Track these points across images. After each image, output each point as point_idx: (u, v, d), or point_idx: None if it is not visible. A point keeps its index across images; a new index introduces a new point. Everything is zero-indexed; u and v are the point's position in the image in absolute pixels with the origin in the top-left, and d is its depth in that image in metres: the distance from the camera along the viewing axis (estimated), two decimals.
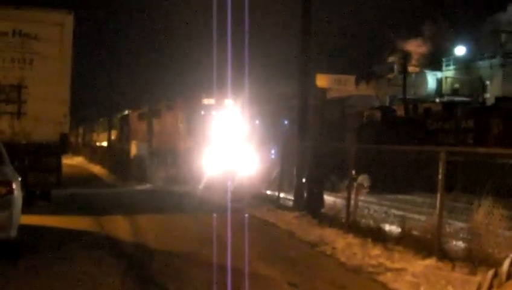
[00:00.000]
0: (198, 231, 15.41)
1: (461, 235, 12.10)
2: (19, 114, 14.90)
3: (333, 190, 18.87)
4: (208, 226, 16.23)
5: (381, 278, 10.30)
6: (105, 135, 57.37)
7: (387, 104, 47.92)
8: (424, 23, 58.29)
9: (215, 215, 18.15)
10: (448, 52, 56.19)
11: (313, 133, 20.63)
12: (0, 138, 13.64)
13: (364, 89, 52.64)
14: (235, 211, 18.86)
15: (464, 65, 53.35)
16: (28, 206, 14.10)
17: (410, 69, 54.51)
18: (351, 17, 63.35)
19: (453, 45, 55.94)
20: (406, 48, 56.85)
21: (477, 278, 9.33)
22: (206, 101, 31.43)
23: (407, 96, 48.34)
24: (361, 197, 16.25)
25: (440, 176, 11.56)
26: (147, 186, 31.91)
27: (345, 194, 15.83)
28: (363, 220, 14.97)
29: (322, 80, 19.54)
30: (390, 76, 56.31)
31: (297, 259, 12.17)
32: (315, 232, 14.69)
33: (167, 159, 33.57)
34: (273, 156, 21.82)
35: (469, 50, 55.09)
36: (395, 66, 56.87)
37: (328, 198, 18.40)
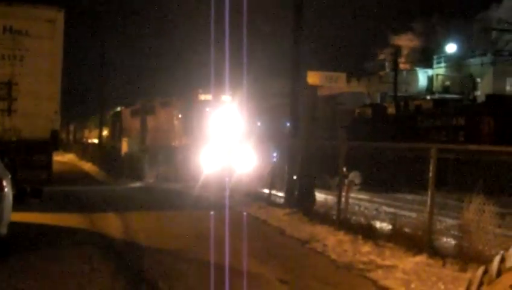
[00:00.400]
0: (189, 228, 15.39)
1: (452, 233, 12.14)
2: (9, 111, 14.84)
3: (324, 187, 18.90)
4: (199, 223, 16.26)
5: (371, 275, 10.32)
6: (97, 131, 57.21)
7: (378, 101, 48.00)
8: (415, 20, 58.45)
9: (206, 212, 18.15)
10: (439, 49, 56.29)
11: (305, 131, 20.62)
12: None
13: (356, 86, 52.76)
14: (226, 208, 18.87)
15: (455, 63, 53.48)
16: (19, 204, 14.07)
17: (401, 66, 54.60)
18: (343, 15, 63.29)
19: (444, 42, 56.05)
20: (397, 42, 56.96)
21: (468, 275, 9.36)
22: (202, 97, 30.94)
23: (398, 94, 48.50)
24: (352, 195, 16.27)
25: (431, 173, 11.58)
26: (140, 184, 31.83)
27: (336, 191, 15.85)
28: (354, 217, 14.99)
29: (313, 77, 19.54)
30: (381, 73, 56.39)
31: (288, 256, 12.18)
32: (306, 229, 14.70)
33: (161, 157, 33.30)
34: (274, 160, 21.40)
35: (460, 48, 55.24)
36: (386, 64, 56.96)
37: (319, 195, 18.41)
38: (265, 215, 17.09)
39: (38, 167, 14.54)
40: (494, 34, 50.86)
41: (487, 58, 49.54)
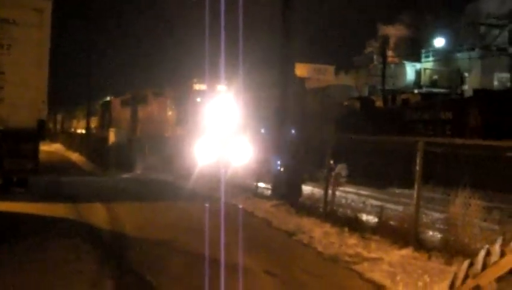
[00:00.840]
0: (176, 220, 15.39)
1: (438, 226, 12.19)
2: None
3: (311, 180, 18.92)
4: (186, 214, 16.27)
5: (357, 267, 10.35)
6: (86, 122, 56.99)
7: (366, 94, 48.05)
8: (404, 12, 58.56)
9: (193, 204, 18.20)
10: (428, 42, 56.38)
11: (292, 123, 20.61)
12: None
13: (344, 79, 52.76)
14: (213, 199, 18.87)
15: (443, 57, 53.55)
16: (5, 193, 14.02)
17: (390, 59, 54.66)
18: (331, 7, 63.23)
19: (432, 35, 56.14)
20: (385, 32, 57.01)
21: (453, 268, 9.40)
22: (197, 86, 30.27)
23: (386, 87, 48.53)
24: (340, 187, 16.29)
25: (418, 167, 11.61)
26: (129, 174, 31.73)
27: (322, 183, 15.87)
28: (341, 210, 15.03)
29: (301, 69, 19.56)
30: (369, 66, 56.44)
31: (275, 248, 12.20)
32: (293, 221, 14.72)
33: (153, 148, 33.06)
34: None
35: (448, 42, 55.31)
36: (375, 57, 57.01)
37: (306, 187, 18.44)
38: (252, 207, 17.09)
39: (25, 156, 14.45)
40: (482, 28, 50.95)
41: (475, 53, 49.60)
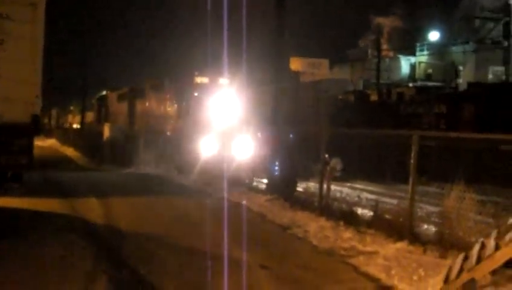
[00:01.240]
0: (171, 214, 15.38)
1: (433, 219, 12.20)
2: None
3: (306, 173, 18.89)
4: (180, 209, 16.26)
5: (352, 261, 10.36)
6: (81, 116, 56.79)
7: (361, 88, 48.06)
8: (397, 4, 58.51)
9: (188, 198, 18.19)
10: (422, 37, 56.38)
11: (287, 117, 20.58)
12: None
13: (338, 73, 52.79)
14: (208, 194, 18.88)
15: (438, 50, 53.58)
16: None
17: (384, 53, 54.66)
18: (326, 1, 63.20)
19: (427, 28, 56.13)
20: (379, 23, 56.95)
21: (448, 261, 9.42)
22: (199, 79, 29.47)
23: (381, 81, 48.57)
24: (334, 182, 16.30)
25: (412, 160, 11.61)
26: (124, 169, 31.64)
27: (317, 177, 15.87)
28: (336, 204, 15.03)
29: (295, 63, 19.59)
30: (364, 60, 56.43)
31: (269, 242, 12.19)
32: (287, 215, 14.72)
33: (152, 143, 32.68)
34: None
35: (442, 35, 55.30)
36: (369, 51, 56.98)
37: (301, 181, 18.42)
38: (247, 201, 17.08)
39: (19, 151, 14.41)
40: (476, 22, 50.98)
41: (469, 46, 49.64)
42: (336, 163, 15.97)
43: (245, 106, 23.87)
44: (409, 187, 11.66)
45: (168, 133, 30.01)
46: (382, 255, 10.57)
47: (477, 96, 24.26)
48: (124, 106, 40.61)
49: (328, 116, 31.66)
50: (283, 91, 19.63)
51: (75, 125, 63.39)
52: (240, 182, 20.62)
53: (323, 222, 13.54)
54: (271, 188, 18.48)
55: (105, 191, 19.36)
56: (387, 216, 12.61)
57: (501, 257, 7.96)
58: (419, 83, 47.53)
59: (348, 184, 19.88)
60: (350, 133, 19.75)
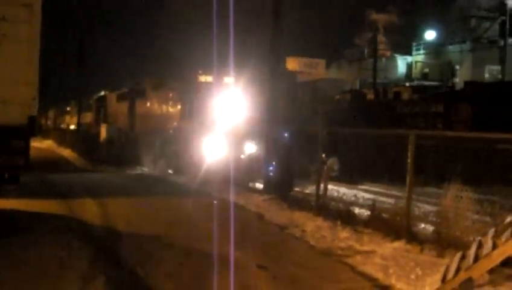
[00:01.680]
0: (168, 214, 15.36)
1: (430, 219, 12.21)
2: None
3: (303, 173, 18.89)
4: (178, 209, 16.26)
5: (350, 260, 10.36)
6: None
7: (357, 88, 48.11)
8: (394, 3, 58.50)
9: (185, 198, 18.18)
10: (419, 36, 56.43)
11: (283, 117, 20.56)
12: None
13: (335, 73, 52.83)
14: (205, 194, 18.88)
15: (434, 50, 53.66)
16: None
17: (381, 52, 54.68)
18: (322, 3, 63.10)
19: (423, 25, 56.18)
20: (375, 18, 56.92)
21: (446, 260, 9.42)
22: (203, 78, 28.54)
23: (378, 81, 48.62)
24: (331, 182, 16.31)
25: (409, 160, 11.62)
26: (122, 170, 31.55)
27: (314, 177, 15.87)
28: (333, 203, 15.04)
29: (292, 63, 19.57)
30: (361, 60, 56.47)
31: (267, 242, 12.19)
32: (284, 215, 14.72)
33: (147, 143, 32.33)
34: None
35: (439, 35, 55.37)
36: (366, 50, 57.02)
37: (298, 181, 18.43)
38: (244, 200, 17.07)
39: (16, 153, 14.40)
40: (473, 21, 51.05)
41: (466, 46, 49.73)
42: (333, 163, 15.99)
43: (250, 105, 23.35)
44: (406, 186, 11.67)
45: (167, 134, 29.65)
46: (379, 254, 10.57)
47: (474, 96, 24.28)
48: (123, 107, 40.23)
49: (324, 116, 31.61)
50: (280, 91, 19.61)
51: (72, 127, 62.96)
52: (237, 182, 20.60)
53: (320, 221, 13.54)
54: (268, 188, 18.49)
55: (102, 192, 19.33)
56: (384, 215, 12.61)
57: (498, 256, 7.96)
58: (415, 83, 47.62)
59: (345, 183, 19.85)
60: (347, 132, 19.74)
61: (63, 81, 71.62)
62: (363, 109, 30.42)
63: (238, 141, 22.00)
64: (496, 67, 46.82)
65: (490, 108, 22.56)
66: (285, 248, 11.68)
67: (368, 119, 27.17)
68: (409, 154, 11.64)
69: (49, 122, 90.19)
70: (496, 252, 7.95)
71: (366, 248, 11.17)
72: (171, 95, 31.13)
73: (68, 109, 69.95)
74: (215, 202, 17.14)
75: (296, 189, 18.12)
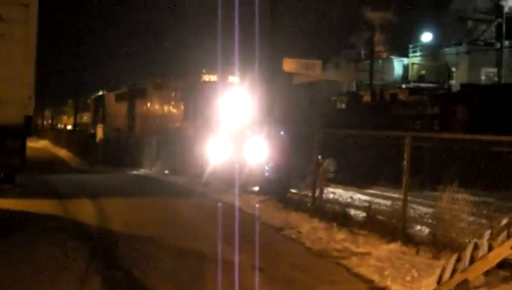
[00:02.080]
0: (166, 215, 15.35)
1: (426, 220, 12.22)
2: None
3: (299, 175, 18.90)
4: (173, 210, 16.24)
5: (345, 262, 10.36)
6: (77, 117, 56.33)
7: (354, 89, 48.12)
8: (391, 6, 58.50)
9: (180, 199, 18.18)
10: (415, 38, 56.47)
11: (280, 119, 20.50)
12: None
13: (332, 75, 52.81)
14: (201, 195, 18.88)
15: (431, 52, 53.66)
16: None
17: (377, 54, 54.70)
18: (319, 3, 62.99)
19: (420, 30, 56.23)
20: (372, 17, 56.89)
21: (441, 262, 9.43)
22: (206, 77, 27.96)
23: (374, 82, 48.62)
24: (328, 184, 16.31)
25: (405, 161, 11.63)
26: (118, 171, 31.45)
27: (310, 178, 15.88)
28: (329, 205, 15.04)
29: (288, 64, 19.53)
30: (357, 61, 56.48)
31: (263, 243, 12.15)
32: (280, 217, 14.72)
33: (143, 144, 32.06)
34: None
35: (435, 37, 55.40)
36: (362, 52, 57.04)
37: (294, 183, 18.42)
38: (240, 202, 17.05)
39: (12, 153, 14.38)
40: (469, 23, 51.09)
41: (462, 48, 49.75)
42: (329, 164, 15.98)
43: (256, 106, 22.71)
44: (402, 188, 11.68)
45: (166, 134, 29.34)
46: (375, 256, 10.58)
47: (470, 98, 24.31)
48: (122, 107, 39.83)
49: (321, 117, 31.63)
50: (276, 92, 19.54)
51: (69, 127, 62.54)
52: (233, 183, 20.56)
53: (316, 223, 13.55)
54: (264, 189, 18.48)
55: (98, 193, 19.31)
56: (380, 217, 12.62)
57: (494, 258, 7.97)
58: (412, 84, 47.57)
59: (341, 185, 19.84)
60: (343, 134, 19.74)
61: (60, 80, 71.43)
62: (360, 110, 30.44)
63: (241, 143, 21.57)
64: (492, 70, 46.86)
65: (486, 110, 22.58)
66: (281, 249, 11.68)
67: (365, 121, 27.17)
68: (405, 156, 11.64)
69: (45, 122, 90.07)
70: (491, 254, 7.96)
71: (361, 249, 11.17)
72: (173, 94, 30.60)
73: (65, 108, 69.68)
74: (211, 203, 17.16)
75: (293, 190, 18.12)
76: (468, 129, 22.16)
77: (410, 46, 55.76)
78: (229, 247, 11.10)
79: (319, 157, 15.65)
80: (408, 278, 9.17)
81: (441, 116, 25.03)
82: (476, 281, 8.11)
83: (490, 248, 8.10)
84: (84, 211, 15.53)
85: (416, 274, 9.30)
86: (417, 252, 10.53)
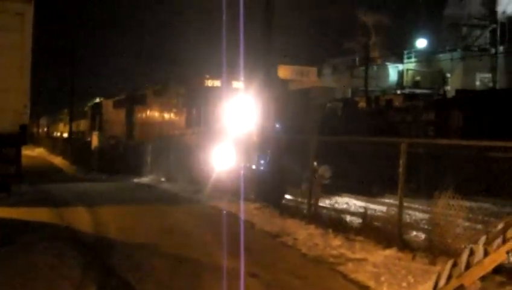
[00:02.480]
0: (161, 222, 15.33)
1: (422, 226, 12.24)
2: None
3: (295, 181, 18.90)
4: (168, 217, 16.23)
5: (342, 268, 10.36)
6: (73, 125, 56.15)
7: (349, 95, 48.19)
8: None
9: (176, 206, 18.16)
10: (410, 44, 56.57)
11: (276, 125, 20.49)
12: None
13: (327, 81, 52.88)
14: (196, 202, 18.87)
15: (425, 58, 53.76)
16: None
17: (373, 60, 54.74)
18: (313, 8, 63.01)
19: (414, 37, 56.33)
20: (366, 20, 56.90)
21: (437, 268, 9.44)
22: (210, 83, 27.43)
23: (369, 88, 48.66)
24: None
25: (401, 168, 11.64)
26: (113, 178, 31.36)
27: (306, 185, 15.88)
28: (325, 211, 15.05)
29: (284, 71, 19.49)
30: (352, 67, 56.53)
31: (259, 250, 12.18)
32: (276, 223, 14.72)
33: (139, 151, 31.74)
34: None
35: (430, 43, 55.52)
36: (357, 59, 57.09)
37: (290, 189, 18.43)
38: (236, 209, 17.05)
39: (7, 161, 14.37)
40: (464, 29, 51.23)
41: (457, 54, 49.87)
42: (325, 170, 15.99)
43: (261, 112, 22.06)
44: (398, 194, 11.70)
45: (163, 142, 29.03)
46: (371, 262, 10.58)
47: (465, 103, 24.34)
48: (120, 114, 39.28)
49: (317, 123, 31.59)
50: (271, 99, 19.49)
51: (65, 134, 62.09)
52: (229, 190, 20.57)
53: (312, 229, 13.55)
54: (260, 195, 18.46)
55: (93, 201, 19.29)
56: (376, 223, 12.63)
57: (490, 263, 7.98)
58: (407, 90, 47.65)
59: (338, 191, 19.85)
60: (338, 140, 19.77)
61: (56, 88, 71.30)
62: (355, 117, 30.45)
63: (238, 150, 21.24)
64: (487, 75, 47.00)
65: (482, 116, 22.61)
66: (277, 256, 11.67)
67: (360, 128, 27.18)
68: (401, 163, 11.66)
69: (41, 130, 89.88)
70: (487, 259, 7.96)
71: (358, 255, 11.17)
72: (175, 100, 29.95)
73: (61, 116, 69.40)
74: (206, 210, 17.16)
75: (288, 197, 18.12)
76: (463, 135, 22.18)
77: (405, 52, 55.87)
78: (224, 253, 11.10)
79: (315, 163, 15.67)
80: (404, 284, 9.18)
81: (436, 122, 25.05)
82: (472, 287, 8.10)
83: (486, 253, 8.10)
84: (80, 218, 15.51)
85: (412, 280, 9.30)
86: (413, 258, 10.53)
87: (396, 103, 30.02)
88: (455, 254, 9.34)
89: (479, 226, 10.65)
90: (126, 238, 13.02)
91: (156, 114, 33.73)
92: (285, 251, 12.06)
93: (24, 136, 14.40)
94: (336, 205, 17.00)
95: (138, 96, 36.64)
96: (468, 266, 8.09)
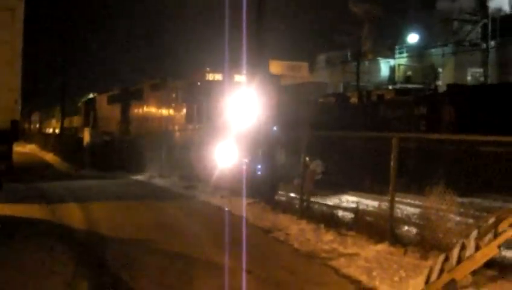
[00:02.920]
0: (153, 218, 15.33)
1: (413, 221, 12.24)
2: None
3: (287, 177, 18.90)
4: (161, 213, 16.22)
5: (334, 263, 10.37)
6: (66, 121, 55.88)
7: (341, 91, 48.23)
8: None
9: (168, 202, 18.15)
10: (401, 39, 56.65)
11: (267, 121, 20.41)
12: None
13: (319, 76, 52.94)
14: (188, 198, 18.86)
15: (417, 53, 53.86)
16: None
17: (364, 54, 54.83)
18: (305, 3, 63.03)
19: (406, 32, 56.40)
20: (358, 11, 56.92)
21: (429, 262, 9.45)
22: (211, 76, 26.81)
23: (361, 84, 48.73)
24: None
25: (392, 162, 11.64)
26: (105, 175, 31.29)
27: (298, 180, 15.89)
28: (316, 207, 15.05)
29: (275, 66, 19.44)
30: (344, 62, 56.59)
31: (251, 245, 12.16)
32: (269, 218, 14.72)
33: (132, 147, 31.43)
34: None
35: (422, 38, 55.62)
36: (349, 54, 57.15)
37: (282, 184, 18.43)
38: (228, 204, 17.04)
39: None
40: (455, 24, 51.30)
41: (448, 49, 49.97)
42: (317, 165, 16.00)
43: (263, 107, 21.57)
44: (390, 188, 11.70)
45: (155, 137, 28.72)
46: (363, 257, 10.59)
47: (457, 98, 24.35)
48: (115, 109, 38.71)
49: (308, 119, 31.53)
50: (263, 95, 19.43)
51: (58, 131, 61.69)
52: (222, 186, 20.54)
53: (304, 224, 13.55)
54: (252, 191, 18.44)
55: (85, 196, 19.29)
56: (368, 218, 12.63)
57: (481, 258, 8.00)
58: (398, 86, 47.72)
59: (328, 186, 19.81)
60: (330, 135, 19.75)
61: (48, 84, 71.04)
62: (347, 112, 30.44)
63: (232, 145, 20.95)
64: (479, 70, 47.06)
65: (473, 110, 22.63)
66: (269, 251, 11.68)
67: (352, 123, 27.19)
68: (392, 157, 11.66)
69: (32, 126, 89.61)
70: (478, 253, 7.98)
71: (349, 250, 11.18)
72: (173, 95, 29.39)
73: (53, 112, 69.07)
74: (199, 205, 17.15)
75: (281, 192, 18.12)
76: (455, 129, 22.21)
77: (397, 47, 55.95)
78: (217, 249, 11.11)
79: (307, 159, 15.67)
80: (396, 279, 9.19)
81: (428, 117, 25.06)
82: (463, 281, 8.13)
83: (477, 248, 8.12)
84: (72, 215, 15.49)
85: (404, 274, 9.32)
86: (405, 253, 10.55)
87: (388, 98, 30.04)
88: (447, 249, 9.36)
89: (471, 221, 10.66)
90: (118, 234, 12.99)
91: (153, 109, 33.18)
92: (277, 246, 12.07)
93: (15, 132, 14.36)
94: (328, 200, 16.97)
95: (134, 90, 36.09)
96: (459, 260, 8.11)
